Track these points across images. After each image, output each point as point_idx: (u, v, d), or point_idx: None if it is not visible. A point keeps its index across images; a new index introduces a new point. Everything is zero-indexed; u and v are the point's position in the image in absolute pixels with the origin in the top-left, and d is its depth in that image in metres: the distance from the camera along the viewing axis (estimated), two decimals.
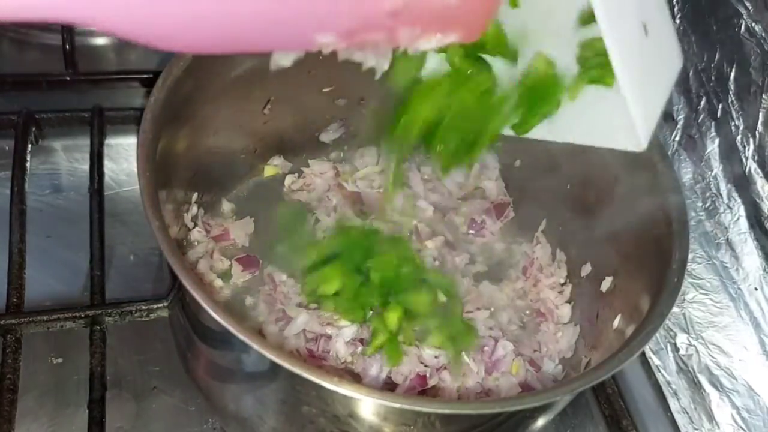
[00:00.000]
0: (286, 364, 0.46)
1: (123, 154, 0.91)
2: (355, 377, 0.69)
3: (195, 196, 0.74)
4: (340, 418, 0.52)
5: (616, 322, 0.67)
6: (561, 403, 0.63)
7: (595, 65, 0.53)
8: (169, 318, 0.72)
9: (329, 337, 0.70)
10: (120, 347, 0.74)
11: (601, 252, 0.75)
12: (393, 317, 0.69)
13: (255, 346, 0.47)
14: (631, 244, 0.70)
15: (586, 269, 0.77)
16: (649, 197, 0.66)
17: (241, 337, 0.47)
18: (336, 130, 0.86)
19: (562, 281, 0.81)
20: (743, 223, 0.77)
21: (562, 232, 0.82)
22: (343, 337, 0.70)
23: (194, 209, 0.74)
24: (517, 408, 0.52)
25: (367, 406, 0.51)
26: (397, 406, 0.47)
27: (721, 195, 0.80)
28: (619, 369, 0.53)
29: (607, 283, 0.73)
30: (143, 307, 0.71)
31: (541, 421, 0.63)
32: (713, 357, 0.77)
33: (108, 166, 0.88)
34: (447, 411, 0.49)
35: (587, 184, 0.77)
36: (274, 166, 0.86)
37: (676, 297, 0.58)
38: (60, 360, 0.73)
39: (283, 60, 0.48)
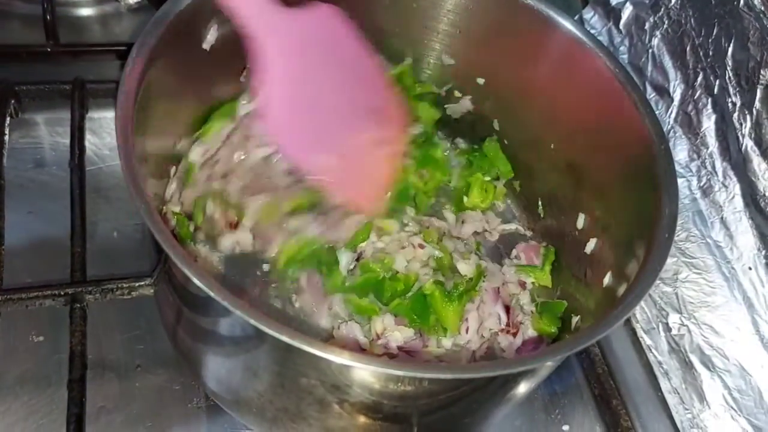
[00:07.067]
0: (275, 333, 0.45)
1: (106, 128, 0.89)
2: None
3: (173, 169, 0.72)
4: (339, 387, 0.52)
5: (606, 280, 0.66)
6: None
7: None
8: (154, 294, 0.70)
9: None
10: (103, 325, 0.73)
11: (588, 210, 0.74)
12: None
13: (252, 320, 0.46)
14: (619, 201, 0.69)
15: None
16: (635, 150, 0.66)
17: (238, 311, 0.46)
18: None
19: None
20: (738, 202, 0.76)
21: (551, 190, 0.81)
22: None
23: (173, 185, 0.72)
24: (508, 371, 0.51)
25: (363, 372, 0.49)
26: (372, 369, 0.46)
27: (716, 173, 0.78)
28: (615, 327, 0.52)
29: (594, 242, 0.72)
30: (124, 285, 0.70)
31: (532, 382, 0.62)
32: (705, 337, 0.76)
33: (91, 140, 0.86)
34: (416, 374, 0.48)
35: (571, 143, 0.76)
36: None
37: (668, 252, 0.56)
38: (41, 338, 0.71)
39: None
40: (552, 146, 0.78)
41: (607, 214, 0.71)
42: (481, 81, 0.82)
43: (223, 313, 0.52)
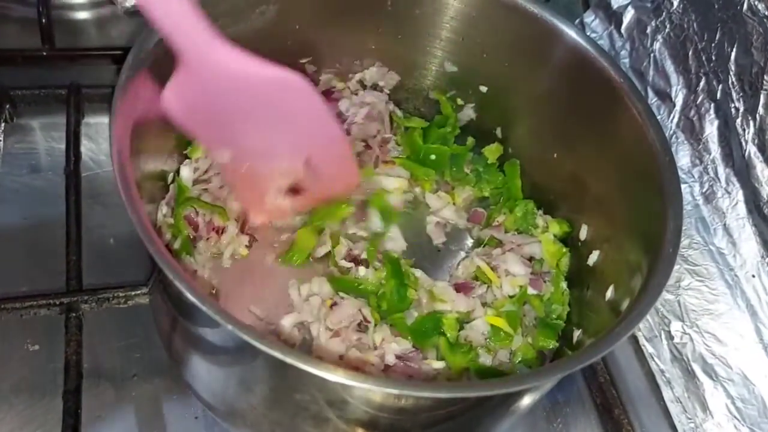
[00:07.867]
0: (266, 348, 0.44)
1: (102, 134, 0.88)
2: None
3: (170, 177, 0.72)
4: (334, 403, 0.51)
5: (608, 293, 0.65)
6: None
7: None
8: (150, 304, 0.69)
9: None
10: (99, 334, 0.72)
11: (591, 222, 0.74)
12: None
13: (243, 335, 0.45)
14: (622, 214, 0.68)
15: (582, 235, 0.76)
16: (638, 161, 0.65)
17: (229, 326, 0.45)
18: None
19: None
20: (741, 209, 0.75)
21: (553, 200, 0.80)
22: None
23: (164, 206, 0.72)
24: (508, 390, 0.50)
25: (361, 391, 0.49)
26: (365, 386, 0.45)
27: (719, 179, 0.78)
28: (618, 344, 0.51)
29: (596, 254, 0.71)
30: (120, 294, 0.69)
31: (533, 397, 0.61)
32: (708, 345, 0.75)
33: (87, 145, 0.85)
34: (412, 393, 0.47)
35: (574, 153, 0.75)
36: None
37: (672, 267, 0.56)
38: (36, 347, 0.70)
39: None
40: (555, 155, 0.77)
41: (610, 226, 0.70)
42: (483, 89, 0.81)
43: (215, 325, 0.51)
